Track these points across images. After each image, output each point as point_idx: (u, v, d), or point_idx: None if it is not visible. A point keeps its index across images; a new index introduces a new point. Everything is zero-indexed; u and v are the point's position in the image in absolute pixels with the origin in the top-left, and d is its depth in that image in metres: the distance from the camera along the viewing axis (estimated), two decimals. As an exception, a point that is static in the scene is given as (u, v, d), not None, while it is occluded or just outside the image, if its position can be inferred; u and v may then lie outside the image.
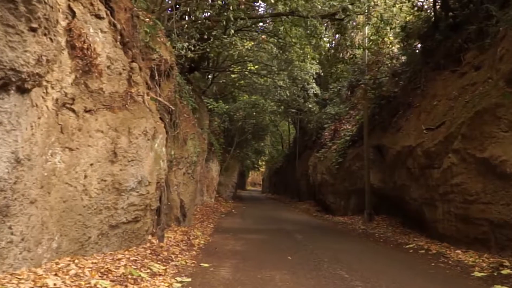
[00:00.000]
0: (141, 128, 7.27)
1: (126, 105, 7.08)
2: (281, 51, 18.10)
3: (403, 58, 16.04)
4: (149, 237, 8.46)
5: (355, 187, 17.93)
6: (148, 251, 7.84)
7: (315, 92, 20.77)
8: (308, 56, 17.76)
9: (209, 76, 22.54)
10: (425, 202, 11.45)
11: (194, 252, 8.90)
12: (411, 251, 10.30)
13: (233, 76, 26.46)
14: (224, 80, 28.19)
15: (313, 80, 19.86)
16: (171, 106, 9.97)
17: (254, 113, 26.50)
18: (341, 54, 16.92)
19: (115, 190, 6.84)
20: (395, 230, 13.42)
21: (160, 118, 9.11)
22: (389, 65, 16.26)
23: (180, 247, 9.00)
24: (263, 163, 62.70)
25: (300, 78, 19.17)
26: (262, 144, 48.78)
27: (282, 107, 27.65)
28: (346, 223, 16.77)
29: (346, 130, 19.53)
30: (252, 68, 21.44)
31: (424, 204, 11.54)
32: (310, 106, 23.08)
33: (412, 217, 12.84)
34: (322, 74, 22.64)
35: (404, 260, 9.19)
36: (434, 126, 11.08)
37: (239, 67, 21.47)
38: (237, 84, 27.18)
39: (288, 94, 21.08)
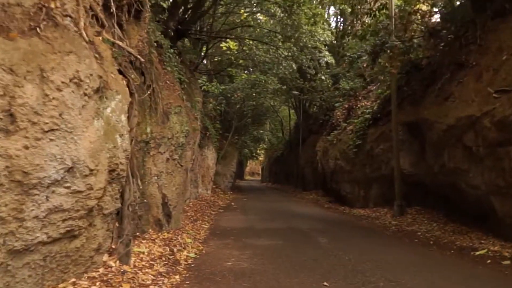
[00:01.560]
0: (68, 72, 3.99)
1: (38, 29, 3.79)
2: (287, 14, 14.75)
3: (439, 15, 12.76)
4: (104, 257, 5.24)
5: (378, 174, 14.74)
6: (97, 285, 4.63)
7: (328, 61, 17.47)
8: (319, 19, 14.40)
9: (203, 48, 19.14)
10: (495, 190, 8.27)
11: (177, 277, 5.69)
12: (488, 261, 7.14)
13: (229, 53, 23.08)
14: (219, 58, 24.82)
15: (325, 48, 16.54)
16: (139, 58, 6.68)
17: (254, 94, 23.17)
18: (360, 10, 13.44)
19: (17, 185, 3.60)
20: (443, 227, 10.23)
21: (120, 72, 5.83)
22: (421, 25, 12.95)
23: (156, 270, 5.78)
24: (262, 151, 59.61)
25: (309, 46, 15.86)
26: (262, 131, 45.70)
27: (285, 86, 24.24)
28: (370, 217, 13.59)
29: (364, 107, 16.30)
30: (251, 40, 18.00)
31: (493, 194, 8.35)
32: (322, 78, 19.70)
33: (468, 210, 9.67)
34: (335, 42, 19.32)
35: (490, 277, 6.03)
36: (510, 87, 7.86)
37: (237, 35, 18.03)
38: (234, 61, 23.80)
39: (294, 67, 17.71)
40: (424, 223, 11.05)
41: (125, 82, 5.83)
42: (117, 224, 5.70)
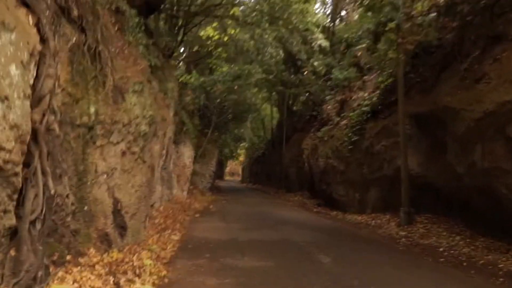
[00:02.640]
0: None
1: None
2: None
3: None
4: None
5: (379, 174, 12.68)
6: None
7: (322, 44, 15.34)
8: (313, -4, 12.26)
9: (180, 32, 16.74)
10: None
11: None
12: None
13: (209, 43, 20.74)
14: (199, 48, 22.48)
15: (319, 30, 14.43)
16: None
17: (236, 87, 20.89)
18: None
19: None
20: (471, 242, 8.17)
21: (25, 4, 3.51)
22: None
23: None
24: (243, 151, 57.34)
25: (300, 28, 13.70)
26: (243, 130, 43.46)
27: (271, 76, 21.98)
28: (371, 226, 11.51)
29: (361, 99, 14.24)
30: (233, 20, 15.66)
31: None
32: (315, 63, 17.53)
33: (505, 221, 7.64)
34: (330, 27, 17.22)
35: None
36: None
37: (218, 15, 15.68)
38: (214, 52, 21.48)
39: (281, 54, 15.53)
40: (442, 236, 8.98)
41: (31, 20, 3.51)
42: (12, 253, 3.38)
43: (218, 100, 22.76)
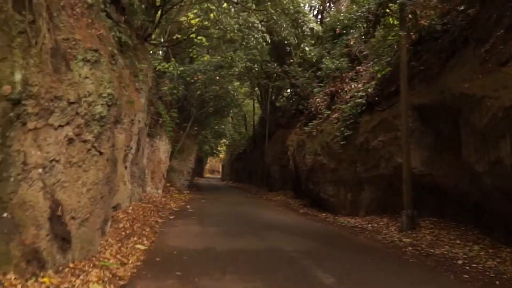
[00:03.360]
0: None
1: None
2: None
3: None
4: None
5: (375, 173, 11.32)
6: None
7: (314, 28, 13.88)
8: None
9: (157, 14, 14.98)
10: None
11: None
12: None
13: (191, 30, 19.08)
14: (178, 36, 20.74)
15: (310, 11, 12.98)
16: None
17: (218, 77, 19.29)
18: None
19: None
20: (496, 253, 6.85)
21: None
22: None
23: None
24: (223, 148, 55.67)
25: (291, 10, 12.21)
26: (223, 126, 41.85)
27: (254, 68, 20.43)
28: (367, 230, 10.12)
29: (355, 90, 12.84)
30: None
31: None
32: (306, 49, 16.05)
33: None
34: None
35: None
36: None
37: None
38: (195, 40, 19.80)
39: (268, 40, 13.98)
40: (457, 245, 7.64)
41: None
42: None
43: (199, 92, 21.09)
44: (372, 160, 11.31)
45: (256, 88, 34.65)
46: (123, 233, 7.65)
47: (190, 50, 20.71)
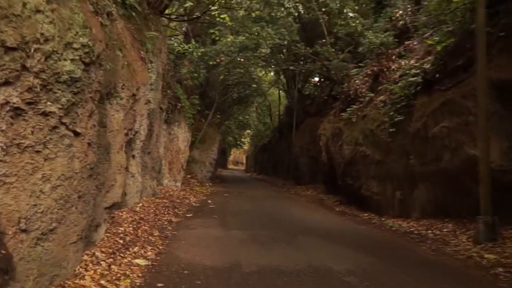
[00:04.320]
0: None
1: None
2: None
3: None
4: None
5: (435, 167, 9.10)
6: None
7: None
8: None
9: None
10: None
11: None
12: None
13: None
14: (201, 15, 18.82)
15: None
16: None
17: (242, 60, 17.31)
18: None
19: None
20: None
21: None
22: None
23: None
24: (247, 139, 53.83)
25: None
26: (248, 116, 39.98)
27: (284, 43, 18.19)
28: (429, 239, 7.95)
29: (406, 67, 10.60)
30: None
31: None
32: (350, 15, 13.79)
33: None
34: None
35: None
36: None
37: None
38: (218, 17, 17.81)
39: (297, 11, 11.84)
40: None
41: None
42: None
43: (222, 77, 19.19)
44: (432, 152, 9.11)
45: (282, 76, 32.61)
46: (121, 241, 5.81)
47: (212, 32, 18.74)
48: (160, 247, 6.12)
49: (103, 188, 5.31)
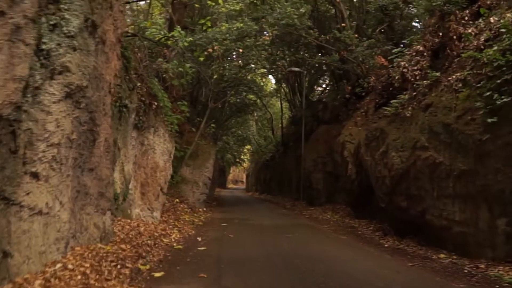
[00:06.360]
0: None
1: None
2: None
3: None
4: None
5: None
6: None
7: None
8: None
9: None
10: None
11: None
12: None
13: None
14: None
15: None
16: None
17: (241, 50, 13.32)
18: None
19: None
20: None
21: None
22: None
23: None
24: (247, 156, 49.63)
25: None
26: (248, 132, 36.05)
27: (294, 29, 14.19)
28: None
29: (502, 23, 6.57)
30: None
31: None
32: None
33: None
34: None
35: None
36: None
37: None
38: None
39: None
40: None
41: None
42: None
43: (215, 77, 15.15)
44: None
45: (284, 85, 28.76)
46: None
47: (203, 22, 14.69)
48: None
49: None
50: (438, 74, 7.66)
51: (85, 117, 5.54)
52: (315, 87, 27.91)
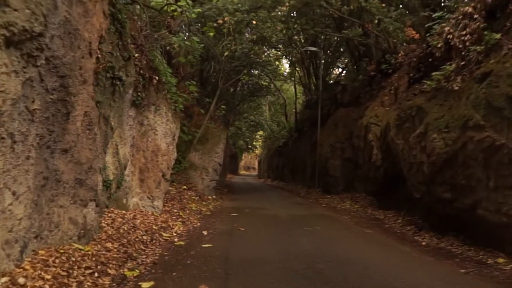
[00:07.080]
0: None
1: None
2: None
3: None
4: None
5: None
6: None
7: None
8: None
9: None
10: None
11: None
12: None
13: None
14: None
15: None
16: None
17: (254, 22, 11.84)
18: None
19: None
20: None
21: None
22: None
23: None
24: (259, 143, 48.27)
25: None
26: (260, 117, 34.69)
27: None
28: None
29: None
30: None
31: None
32: None
33: None
34: None
35: None
36: None
37: None
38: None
39: None
40: None
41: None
42: None
43: (226, 54, 13.72)
44: None
45: (298, 69, 27.22)
46: None
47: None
48: None
49: None
50: (498, 36, 6.13)
51: (53, 83, 4.24)
52: (332, 69, 26.34)
